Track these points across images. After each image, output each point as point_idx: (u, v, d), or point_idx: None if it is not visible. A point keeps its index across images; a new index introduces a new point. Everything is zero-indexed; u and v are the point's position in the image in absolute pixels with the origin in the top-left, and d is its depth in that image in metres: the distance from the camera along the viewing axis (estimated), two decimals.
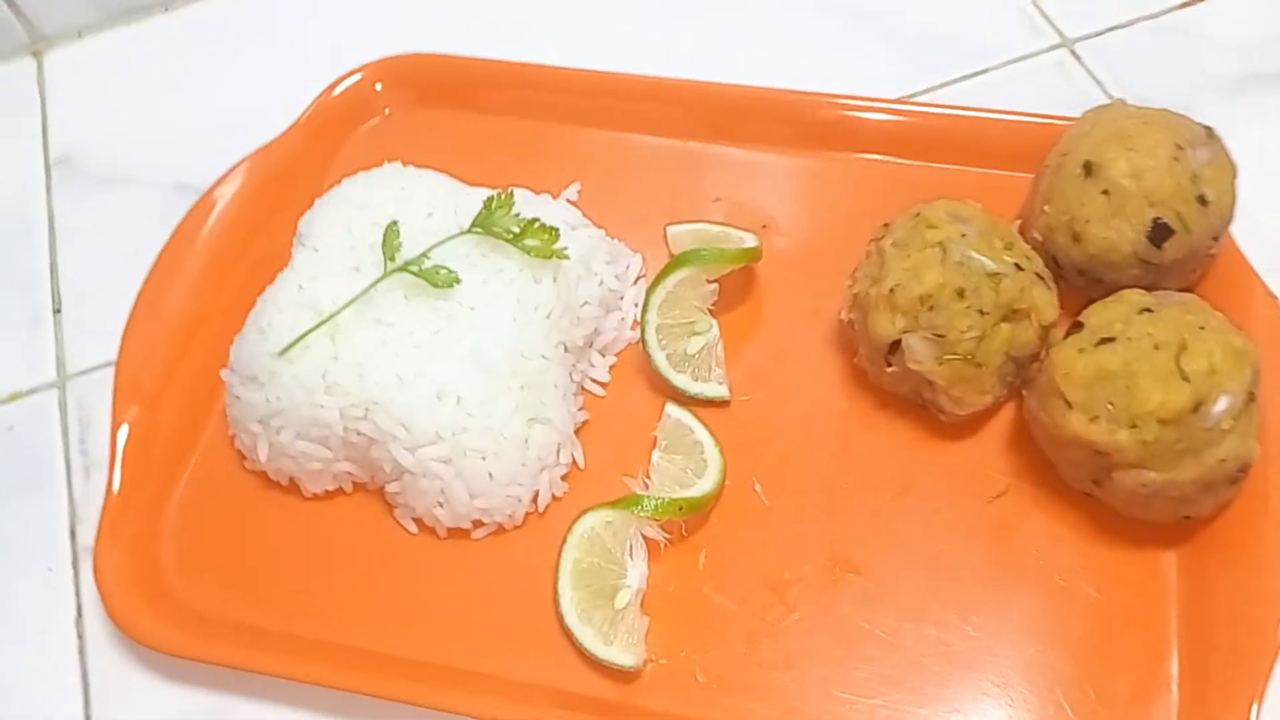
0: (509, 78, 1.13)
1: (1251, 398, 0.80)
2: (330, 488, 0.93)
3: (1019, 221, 0.97)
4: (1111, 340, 0.81)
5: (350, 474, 0.92)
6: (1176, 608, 0.83)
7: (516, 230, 0.90)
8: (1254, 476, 0.82)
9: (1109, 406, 0.80)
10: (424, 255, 0.89)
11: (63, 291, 1.12)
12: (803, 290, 1.01)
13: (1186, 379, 0.78)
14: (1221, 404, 0.78)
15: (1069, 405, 0.82)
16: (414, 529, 0.91)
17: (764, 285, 1.02)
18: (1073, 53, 1.17)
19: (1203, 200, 0.87)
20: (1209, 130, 0.91)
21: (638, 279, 1.02)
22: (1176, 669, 0.81)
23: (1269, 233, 0.98)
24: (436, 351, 0.88)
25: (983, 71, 1.16)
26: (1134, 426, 0.79)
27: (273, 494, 0.95)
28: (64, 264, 1.14)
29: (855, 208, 1.04)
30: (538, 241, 0.91)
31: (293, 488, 0.94)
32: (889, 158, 1.07)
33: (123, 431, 0.96)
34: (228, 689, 0.88)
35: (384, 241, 0.90)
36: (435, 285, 0.88)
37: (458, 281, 0.89)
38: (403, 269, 0.89)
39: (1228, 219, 0.90)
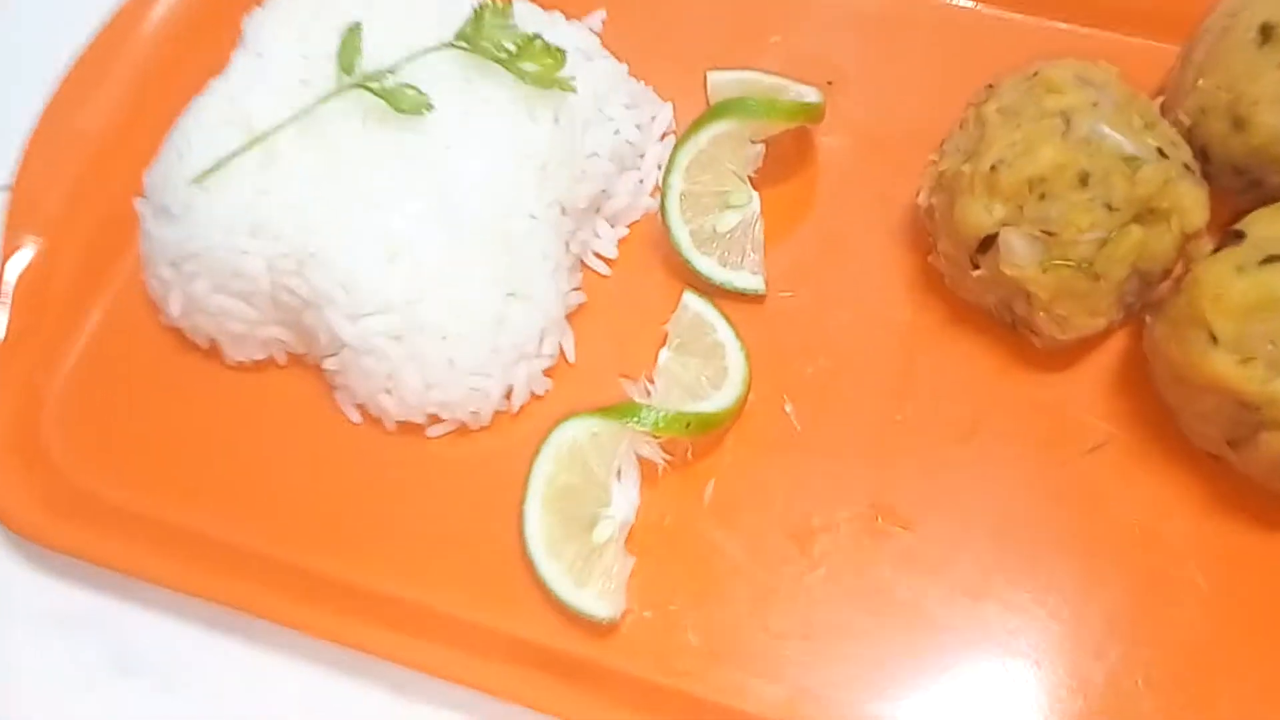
0: None
1: None
2: (258, 356, 0.75)
3: (1160, 99, 0.75)
4: None
5: (282, 341, 0.74)
6: None
7: (512, 49, 0.70)
8: None
9: (1269, 347, 0.60)
10: (389, 70, 0.69)
11: None
12: (871, 165, 0.81)
13: None
14: None
15: (1214, 340, 0.62)
16: (356, 417, 0.74)
17: (823, 155, 0.82)
18: None
19: None
20: None
21: (665, 135, 0.83)
22: None
23: None
24: (394, 195, 0.69)
25: None
26: None
27: (189, 358, 0.77)
28: None
29: (949, 66, 0.83)
30: (538, 66, 0.71)
31: (215, 352, 0.76)
32: (996, 9, 0.86)
33: (15, 263, 0.78)
34: (112, 589, 0.71)
35: (341, 49, 0.70)
36: (400, 110, 0.69)
37: (429, 108, 0.69)
38: (360, 84, 0.69)
39: None
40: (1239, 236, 0.64)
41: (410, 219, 0.68)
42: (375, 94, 0.69)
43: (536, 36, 0.70)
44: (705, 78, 0.83)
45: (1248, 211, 0.69)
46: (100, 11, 0.85)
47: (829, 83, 0.84)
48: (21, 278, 0.78)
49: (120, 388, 0.77)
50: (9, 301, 0.77)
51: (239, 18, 0.82)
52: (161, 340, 0.78)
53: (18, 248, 0.79)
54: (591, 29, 0.86)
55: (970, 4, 0.86)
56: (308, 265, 0.68)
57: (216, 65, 0.80)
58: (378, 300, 0.67)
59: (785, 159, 0.81)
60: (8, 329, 0.77)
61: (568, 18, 0.83)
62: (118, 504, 0.73)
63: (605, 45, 0.84)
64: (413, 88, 0.69)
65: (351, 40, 0.70)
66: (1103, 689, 0.64)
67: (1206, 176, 0.72)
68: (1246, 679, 0.64)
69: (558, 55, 0.70)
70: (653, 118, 0.82)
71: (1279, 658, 0.64)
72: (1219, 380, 0.62)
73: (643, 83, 0.83)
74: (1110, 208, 0.65)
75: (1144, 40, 0.82)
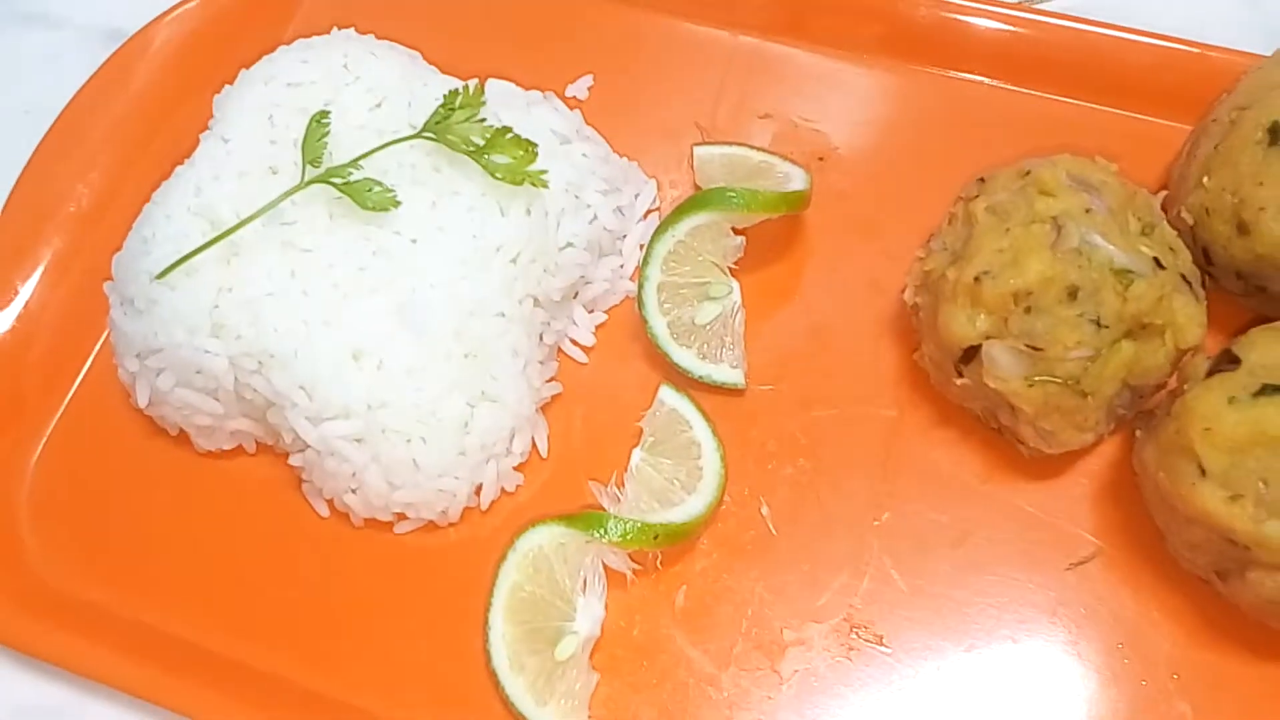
0: None
1: None
2: (226, 446, 0.74)
3: (1163, 193, 0.72)
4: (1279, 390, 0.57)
5: (250, 433, 0.72)
6: None
7: (480, 141, 0.68)
8: None
9: (1260, 486, 0.57)
10: (354, 163, 0.67)
11: None
12: (860, 252, 0.79)
13: None
14: None
15: (1203, 472, 0.59)
16: (324, 510, 0.73)
17: (811, 237, 0.79)
18: None
19: None
20: None
21: (648, 213, 0.80)
22: None
23: None
24: (359, 293, 0.67)
25: None
26: None
27: (159, 443, 0.76)
28: None
29: (948, 145, 0.81)
30: (509, 159, 0.68)
31: (184, 439, 0.75)
32: (1000, 82, 0.82)
33: None
34: (78, 686, 0.70)
35: (305, 138, 0.68)
36: (364, 206, 0.67)
37: (396, 204, 0.67)
38: (323, 179, 0.67)
39: None
40: (1235, 360, 0.61)
41: (374, 319, 0.66)
42: (340, 190, 0.67)
43: (507, 130, 0.68)
44: (691, 152, 0.81)
45: (1252, 314, 0.66)
46: (72, 84, 0.84)
47: (820, 159, 0.81)
48: None
49: (90, 475, 0.76)
50: None
51: (219, 80, 0.80)
52: (133, 424, 0.76)
53: None
54: (577, 96, 0.84)
55: (972, 77, 0.82)
56: (269, 366, 0.66)
57: (192, 136, 0.78)
58: (339, 405, 0.65)
59: (771, 240, 0.78)
60: None
61: (551, 88, 0.81)
62: (80, 597, 0.72)
63: (590, 114, 0.82)
64: (378, 183, 0.67)
65: (316, 130, 0.68)
66: None
67: (1209, 277, 0.69)
68: None
69: (529, 148, 0.68)
70: (635, 196, 0.79)
71: None
72: (1206, 515, 0.59)
73: (624, 159, 0.80)
74: (1100, 324, 0.62)
75: (1151, 119, 0.79)
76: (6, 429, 0.76)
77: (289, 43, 0.81)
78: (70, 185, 0.82)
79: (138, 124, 0.84)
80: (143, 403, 0.72)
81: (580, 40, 0.87)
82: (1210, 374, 0.61)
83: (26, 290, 0.79)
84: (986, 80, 0.82)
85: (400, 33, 0.82)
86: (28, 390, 0.78)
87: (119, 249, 0.76)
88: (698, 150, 0.80)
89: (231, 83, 0.79)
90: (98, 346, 0.79)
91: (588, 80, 0.85)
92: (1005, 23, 0.81)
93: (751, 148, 0.79)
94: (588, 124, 0.81)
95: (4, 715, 0.71)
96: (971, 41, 0.81)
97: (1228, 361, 0.61)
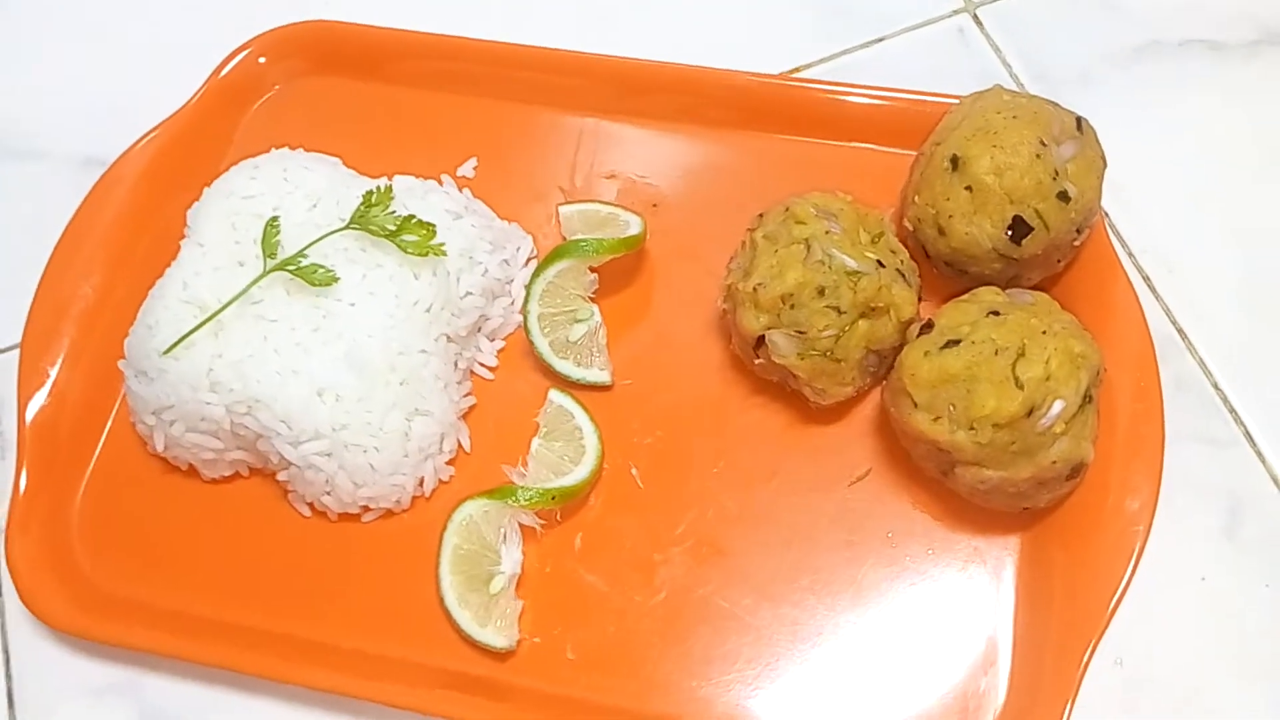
0: (402, 47, 1.13)
1: (1088, 399, 0.83)
2: (227, 473, 0.97)
3: (893, 209, 0.99)
4: (957, 343, 0.84)
5: (245, 461, 0.96)
6: (1016, 590, 0.89)
7: (393, 227, 0.92)
8: (1095, 470, 0.87)
9: (950, 408, 0.83)
10: (300, 254, 0.92)
11: None
12: (687, 273, 1.03)
13: (1020, 386, 0.81)
14: (1054, 409, 0.82)
15: (915, 405, 0.85)
16: (307, 512, 0.96)
17: (651, 267, 1.04)
18: (975, 18, 1.17)
19: (1064, 196, 0.89)
20: (1079, 121, 0.93)
21: (529, 260, 1.05)
22: (1011, 649, 0.87)
23: (1148, 209, 1.01)
24: (315, 349, 0.91)
25: (880, 40, 1.16)
26: (971, 429, 0.83)
27: (174, 478, 0.99)
28: None
29: (743, 186, 1.05)
30: (416, 237, 0.93)
31: (193, 471, 0.98)
32: (778, 134, 1.08)
33: (28, 419, 0.99)
34: (135, 663, 0.94)
35: (263, 238, 0.92)
36: (313, 284, 0.91)
37: (335, 280, 0.91)
38: (280, 268, 0.91)
39: (1090, 212, 0.92)
40: (931, 326, 0.88)
41: (329, 365, 0.90)
42: (293, 274, 0.91)
43: (411, 216, 0.93)
44: (557, 210, 1.06)
45: (967, 289, 0.93)
46: (57, 205, 1.06)
47: (654, 205, 1.06)
48: (34, 428, 0.99)
49: (122, 506, 0.97)
50: (27, 450, 0.97)
51: (184, 194, 1.03)
52: (152, 466, 0.98)
53: (29, 405, 0.99)
54: (466, 175, 1.09)
55: (764, 133, 1.08)
56: (255, 408, 0.90)
57: (173, 237, 1.01)
58: (311, 430, 0.89)
59: (622, 274, 1.02)
60: (28, 473, 0.96)
61: (445, 170, 1.06)
62: (129, 594, 0.94)
63: (477, 189, 1.07)
64: (321, 266, 0.91)
65: (270, 232, 0.92)
66: (865, 659, 0.88)
67: (930, 267, 0.96)
68: (970, 640, 0.88)
69: (430, 228, 0.93)
70: (518, 249, 1.04)
71: (991, 625, 0.89)
72: (921, 433, 0.85)
73: (506, 221, 1.05)
74: (840, 311, 0.88)
75: (892, 151, 1.05)
76: (53, 482, 0.98)
77: (232, 155, 1.06)
78: (77, 287, 1.03)
79: (122, 235, 1.06)
80: (160, 448, 0.95)
81: (464, 131, 1.10)
82: (918, 336, 0.88)
83: (53, 373, 1.01)
84: (766, 134, 1.07)
85: (322, 143, 1.05)
86: (63, 449, 0.99)
87: (121, 334, 0.98)
88: (561, 209, 1.05)
89: (190, 192, 1.02)
90: (115, 409, 1.01)
91: (473, 162, 1.10)
92: (775, 91, 1.06)
93: (601, 202, 1.04)
94: (476, 197, 1.06)
95: (81, 697, 0.94)
96: (753, 105, 1.05)
97: (928, 327, 0.88)
